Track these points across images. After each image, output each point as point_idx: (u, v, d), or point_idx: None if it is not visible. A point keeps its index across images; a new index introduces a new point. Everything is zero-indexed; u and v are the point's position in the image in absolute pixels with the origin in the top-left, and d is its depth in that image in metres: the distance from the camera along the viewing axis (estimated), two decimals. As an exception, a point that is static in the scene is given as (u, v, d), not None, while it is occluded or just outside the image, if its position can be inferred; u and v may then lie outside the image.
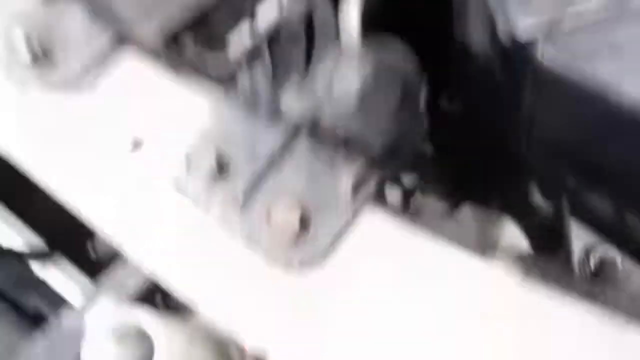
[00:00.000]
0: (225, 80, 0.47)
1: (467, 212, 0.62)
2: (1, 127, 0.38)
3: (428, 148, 0.68)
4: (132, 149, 0.35)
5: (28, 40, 0.36)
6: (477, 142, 0.63)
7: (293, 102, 0.44)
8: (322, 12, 0.56)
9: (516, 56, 0.47)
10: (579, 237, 0.65)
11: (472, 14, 0.53)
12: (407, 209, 0.56)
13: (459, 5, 0.54)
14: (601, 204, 0.61)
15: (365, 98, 0.35)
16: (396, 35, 0.50)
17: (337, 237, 0.32)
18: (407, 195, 0.56)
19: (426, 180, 0.58)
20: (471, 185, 0.65)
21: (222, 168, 0.32)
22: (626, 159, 0.53)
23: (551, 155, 0.62)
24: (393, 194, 0.54)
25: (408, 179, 0.56)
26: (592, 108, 0.47)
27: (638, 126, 0.46)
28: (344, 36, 0.56)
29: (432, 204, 0.59)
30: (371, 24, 0.54)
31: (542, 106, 0.52)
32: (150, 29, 0.39)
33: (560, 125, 0.54)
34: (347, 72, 0.36)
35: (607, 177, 0.57)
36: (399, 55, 0.38)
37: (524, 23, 0.45)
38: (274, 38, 0.49)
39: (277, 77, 0.51)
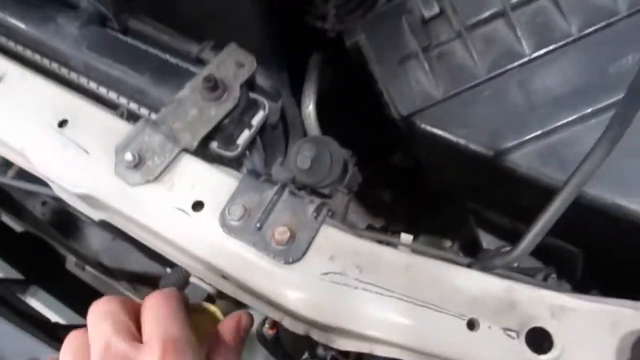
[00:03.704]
0: (235, 163, 0.77)
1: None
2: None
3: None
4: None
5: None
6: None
7: (278, 171, 0.75)
8: (290, 111, 0.88)
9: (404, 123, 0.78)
10: (488, 242, 0.96)
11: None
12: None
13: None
14: (496, 218, 0.91)
15: (314, 165, 0.66)
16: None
17: (309, 243, 0.62)
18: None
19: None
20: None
21: (247, 212, 0.63)
22: (496, 192, 0.82)
23: (450, 188, 0.92)
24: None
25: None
26: (456, 158, 0.77)
27: (499, 171, 0.74)
28: (307, 125, 0.87)
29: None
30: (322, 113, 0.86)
31: (427, 158, 0.83)
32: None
33: (445, 170, 0.84)
34: (304, 152, 0.66)
35: (493, 203, 0.87)
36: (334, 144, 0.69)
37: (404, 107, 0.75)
38: (263, 132, 0.80)
39: (268, 156, 0.82)
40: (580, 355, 0.52)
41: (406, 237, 0.66)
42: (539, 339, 0.54)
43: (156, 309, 0.55)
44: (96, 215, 0.74)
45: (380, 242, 0.65)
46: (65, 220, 1.63)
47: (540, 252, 0.90)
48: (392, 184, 1.30)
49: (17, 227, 1.58)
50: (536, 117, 0.72)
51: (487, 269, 0.63)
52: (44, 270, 1.64)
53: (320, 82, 0.92)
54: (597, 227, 0.75)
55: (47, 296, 1.58)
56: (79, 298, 1.53)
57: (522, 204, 0.76)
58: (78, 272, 1.66)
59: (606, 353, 0.51)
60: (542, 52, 0.71)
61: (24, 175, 0.88)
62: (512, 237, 0.88)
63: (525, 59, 0.72)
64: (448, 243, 1.20)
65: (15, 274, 1.57)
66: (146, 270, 1.50)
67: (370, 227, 1.26)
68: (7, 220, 1.53)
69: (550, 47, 0.71)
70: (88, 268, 1.64)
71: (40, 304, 1.68)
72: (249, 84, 0.76)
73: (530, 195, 0.73)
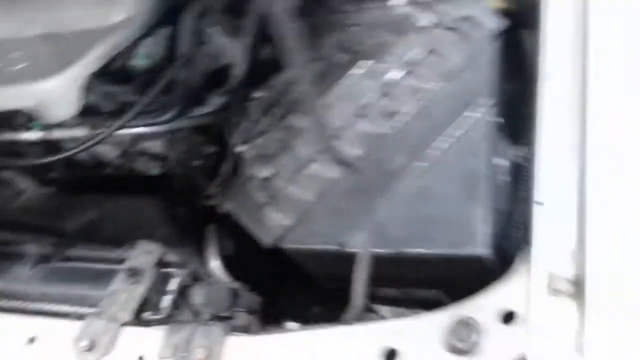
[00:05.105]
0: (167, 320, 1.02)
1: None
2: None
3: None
4: None
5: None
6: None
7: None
8: (200, 270, 1.16)
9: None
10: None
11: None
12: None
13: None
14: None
15: (208, 301, 0.93)
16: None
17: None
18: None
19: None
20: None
21: (177, 349, 0.87)
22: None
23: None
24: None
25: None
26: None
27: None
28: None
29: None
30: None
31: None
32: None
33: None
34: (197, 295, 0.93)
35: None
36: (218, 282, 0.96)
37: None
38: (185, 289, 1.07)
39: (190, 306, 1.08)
40: None
41: (293, 325, 0.91)
42: None
43: None
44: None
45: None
46: None
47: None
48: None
49: None
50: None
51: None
52: None
53: (221, 245, 1.22)
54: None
55: None
56: None
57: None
58: None
59: None
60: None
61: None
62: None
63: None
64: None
65: None
66: None
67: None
68: None
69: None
70: None
71: None
72: (161, 264, 1.05)
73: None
